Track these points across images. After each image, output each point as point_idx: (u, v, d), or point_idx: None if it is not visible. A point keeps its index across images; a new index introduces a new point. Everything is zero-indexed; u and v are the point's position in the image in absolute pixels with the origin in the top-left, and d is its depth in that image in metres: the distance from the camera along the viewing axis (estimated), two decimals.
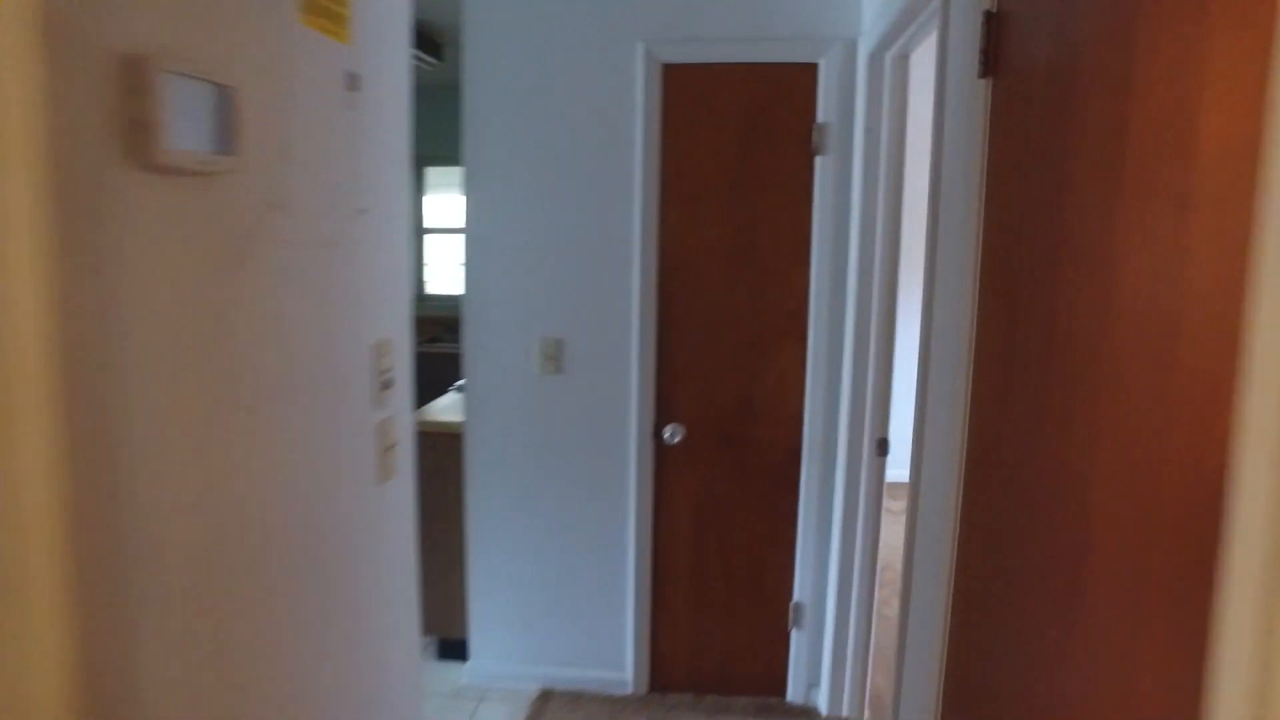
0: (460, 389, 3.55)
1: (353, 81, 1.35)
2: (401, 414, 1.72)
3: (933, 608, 1.48)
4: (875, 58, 2.54)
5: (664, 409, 2.83)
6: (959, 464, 1.38)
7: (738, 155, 2.72)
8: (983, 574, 1.27)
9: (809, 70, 2.69)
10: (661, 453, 2.85)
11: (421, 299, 6.28)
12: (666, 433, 2.80)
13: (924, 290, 1.66)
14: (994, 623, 1.20)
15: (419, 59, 3.87)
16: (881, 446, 2.56)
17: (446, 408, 3.46)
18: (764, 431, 2.81)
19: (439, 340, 5.66)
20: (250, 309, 1.13)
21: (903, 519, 4.60)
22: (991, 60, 1.32)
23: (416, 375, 5.54)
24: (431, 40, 3.89)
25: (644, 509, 2.85)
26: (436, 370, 4.83)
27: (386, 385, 1.63)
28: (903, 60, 2.57)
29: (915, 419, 1.66)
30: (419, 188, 6.20)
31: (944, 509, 1.44)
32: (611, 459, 2.84)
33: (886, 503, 2.73)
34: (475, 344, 2.86)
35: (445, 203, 6.18)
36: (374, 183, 1.50)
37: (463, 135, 2.75)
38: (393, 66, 1.57)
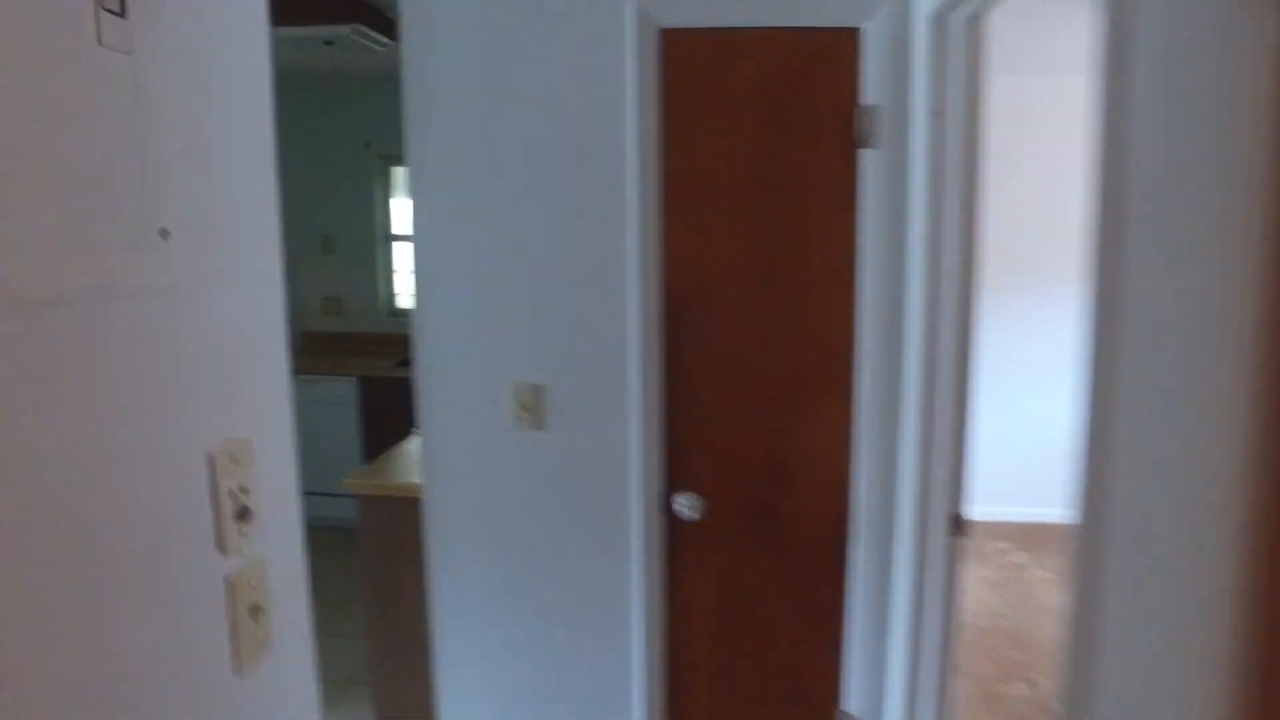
0: (418, 434, 2.94)
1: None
2: (281, 553, 1.10)
3: None
4: (939, 20, 1.94)
5: (675, 475, 2.22)
6: (1246, 524, 0.80)
7: (760, 148, 2.12)
8: None
9: (849, 37, 2.08)
10: (674, 529, 2.24)
11: (392, 314, 5.66)
12: (679, 504, 2.18)
13: (1097, 312, 1.13)
14: None
15: (368, 39, 3.24)
16: (957, 525, 1.96)
17: (408, 462, 2.84)
18: (803, 503, 2.20)
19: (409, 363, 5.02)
20: None
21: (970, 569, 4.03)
22: None
23: (388, 405, 4.78)
24: (382, 16, 3.26)
25: (652, 598, 2.24)
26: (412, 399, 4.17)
27: (242, 514, 1.01)
28: (975, 22, 1.98)
29: (1086, 463, 1.15)
30: (387, 191, 5.57)
31: (1209, 582, 0.86)
32: (610, 537, 2.23)
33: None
34: (432, 389, 2.25)
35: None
36: (190, 187, 0.88)
37: (405, 124, 2.14)
38: None
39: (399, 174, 5.47)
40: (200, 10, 0.93)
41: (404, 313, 5.64)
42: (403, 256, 5.63)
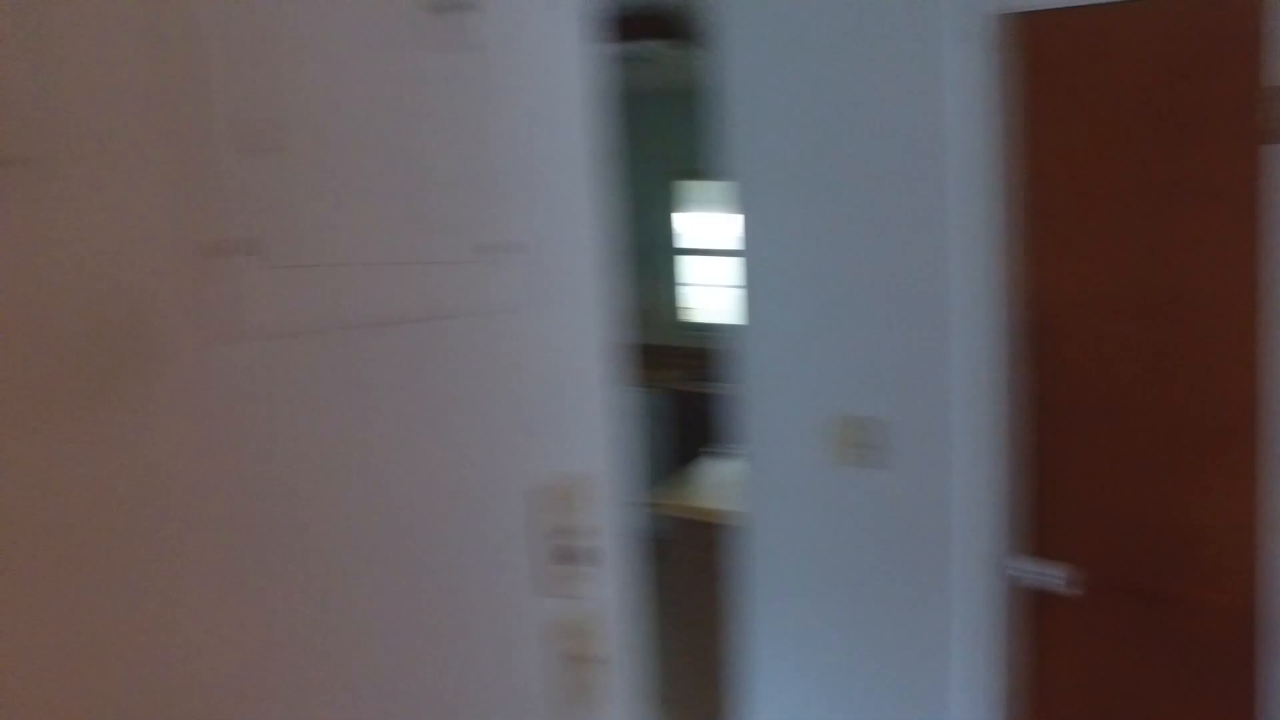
0: (719, 454, 2.85)
1: None
2: (609, 599, 1.02)
3: None
4: None
5: (1036, 537, 1.94)
6: None
7: (1135, 149, 1.78)
8: None
9: (1251, 7, 1.67)
10: (1033, 601, 1.95)
11: (681, 328, 5.69)
12: (1037, 572, 1.90)
13: None
14: None
15: (659, 54, 3.16)
16: None
17: (713, 483, 2.77)
18: (1199, 588, 1.79)
19: (704, 378, 4.97)
20: (125, 480, 0.50)
21: None
22: None
23: (680, 417, 4.78)
24: (655, 20, 3.08)
25: (995, 672, 1.97)
26: (707, 416, 4.09)
27: (568, 557, 0.94)
28: None
29: None
30: (671, 204, 5.63)
31: None
32: (940, 598, 1.98)
33: None
34: (755, 413, 2.16)
35: (700, 222, 5.55)
36: (535, 197, 0.82)
37: (726, 142, 2.08)
38: None
39: (685, 188, 5.54)
40: (524, 11, 0.86)
41: (694, 327, 5.68)
42: (691, 270, 5.68)
